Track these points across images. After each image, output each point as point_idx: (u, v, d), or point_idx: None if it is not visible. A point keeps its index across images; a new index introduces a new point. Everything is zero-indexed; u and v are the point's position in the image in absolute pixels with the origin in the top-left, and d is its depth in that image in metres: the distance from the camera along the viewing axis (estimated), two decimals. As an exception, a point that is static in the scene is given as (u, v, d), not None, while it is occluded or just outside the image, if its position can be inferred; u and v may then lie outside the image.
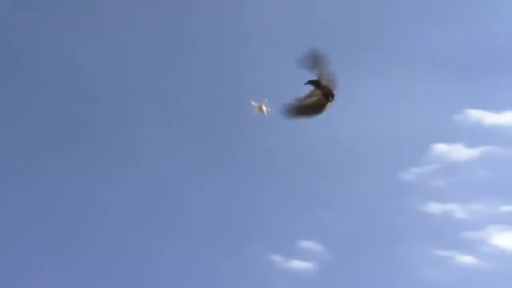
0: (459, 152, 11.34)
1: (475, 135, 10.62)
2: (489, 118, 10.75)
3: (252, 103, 4.45)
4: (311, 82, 4.34)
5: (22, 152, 10.00)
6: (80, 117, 10.54)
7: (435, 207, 10.84)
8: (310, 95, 4.40)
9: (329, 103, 4.48)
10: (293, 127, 10.23)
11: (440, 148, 11.81)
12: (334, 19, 11.23)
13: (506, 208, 9.94)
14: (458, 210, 10.80)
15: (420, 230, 10.89)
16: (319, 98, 4.41)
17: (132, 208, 9.82)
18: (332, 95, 4.40)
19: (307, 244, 10.13)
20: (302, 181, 10.61)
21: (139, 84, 10.79)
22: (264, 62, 10.30)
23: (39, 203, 9.82)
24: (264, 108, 4.36)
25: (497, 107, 10.51)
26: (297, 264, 9.89)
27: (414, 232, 10.82)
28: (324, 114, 4.52)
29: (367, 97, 10.87)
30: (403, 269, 10.01)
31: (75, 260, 9.44)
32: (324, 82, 4.36)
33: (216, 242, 9.85)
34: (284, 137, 10.68)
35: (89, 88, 10.60)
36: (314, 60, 4.26)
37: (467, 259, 9.91)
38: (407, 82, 11.38)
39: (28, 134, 10.29)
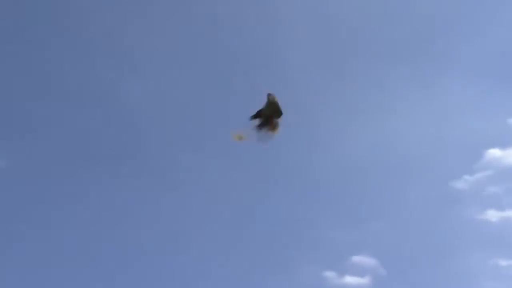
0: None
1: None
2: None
3: (233, 132, 4.62)
4: (255, 116, 4.55)
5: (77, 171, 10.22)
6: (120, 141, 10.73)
7: (492, 215, 10.42)
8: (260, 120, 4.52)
9: (273, 127, 4.62)
10: (337, 143, 10.10)
11: (494, 153, 11.42)
12: (387, 32, 11.07)
13: None
14: (518, 217, 10.33)
15: (478, 239, 10.49)
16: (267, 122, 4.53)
17: (182, 222, 9.86)
18: (275, 123, 4.56)
19: (360, 259, 9.95)
20: (351, 195, 10.46)
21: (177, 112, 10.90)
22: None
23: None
24: (243, 136, 4.51)
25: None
26: (351, 280, 9.70)
27: (472, 241, 10.45)
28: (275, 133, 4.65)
29: (417, 106, 10.65)
30: (463, 281, 9.62)
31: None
32: (270, 110, 4.49)
33: (270, 260, 9.80)
34: (330, 152, 10.57)
35: (132, 117, 10.82)
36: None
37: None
38: (459, 89, 11.14)
39: (81, 155, 10.54)
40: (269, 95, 4.63)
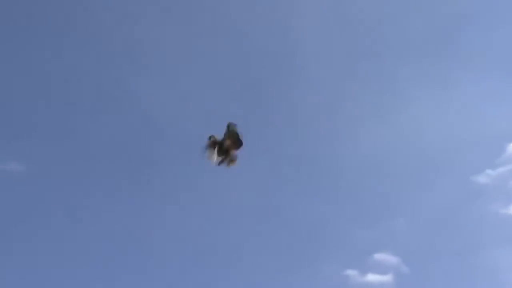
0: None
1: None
2: None
3: (206, 152, 4.56)
4: (214, 145, 4.49)
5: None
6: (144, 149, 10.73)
7: (517, 209, 10.18)
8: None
9: (231, 159, 4.57)
10: (358, 142, 9.97)
11: (517, 147, 11.16)
12: (408, 29, 10.91)
13: None
14: (543, 210, 10.11)
15: (503, 234, 10.28)
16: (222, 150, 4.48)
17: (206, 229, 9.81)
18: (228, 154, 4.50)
19: (382, 257, 9.83)
20: (373, 193, 10.33)
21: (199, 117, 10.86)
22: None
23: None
24: (214, 156, 4.46)
25: None
26: (373, 278, 9.59)
27: (496, 237, 10.23)
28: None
29: (438, 103, 10.49)
30: (487, 277, 9.41)
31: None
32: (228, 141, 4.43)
33: (292, 260, 9.70)
34: (351, 151, 10.45)
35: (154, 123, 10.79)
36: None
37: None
38: (479, 84, 10.93)
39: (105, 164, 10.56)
40: (229, 124, 4.47)
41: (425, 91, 10.34)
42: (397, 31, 10.92)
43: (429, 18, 10.90)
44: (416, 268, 9.89)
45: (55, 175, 9.98)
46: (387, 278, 9.91)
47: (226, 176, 10.05)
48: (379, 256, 10.08)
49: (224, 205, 9.83)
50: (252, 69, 11.19)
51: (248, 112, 11.02)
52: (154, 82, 11.01)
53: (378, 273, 9.93)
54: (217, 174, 10.00)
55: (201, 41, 11.37)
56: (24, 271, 9.07)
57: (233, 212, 10.02)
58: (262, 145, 10.93)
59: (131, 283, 9.29)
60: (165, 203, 10.16)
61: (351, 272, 9.85)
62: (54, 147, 10.32)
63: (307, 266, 9.91)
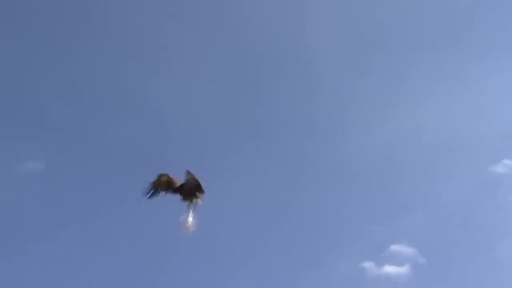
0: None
1: None
2: None
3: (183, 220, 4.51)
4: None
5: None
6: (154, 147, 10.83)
7: (536, 199, 10.05)
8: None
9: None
10: (371, 134, 9.96)
11: (534, 135, 11.01)
12: (421, 23, 10.83)
13: None
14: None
15: (522, 224, 10.11)
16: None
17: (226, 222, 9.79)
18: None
19: (398, 248, 9.77)
20: (388, 186, 10.28)
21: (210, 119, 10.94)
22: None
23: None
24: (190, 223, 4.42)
25: None
26: (390, 269, 9.54)
27: (514, 227, 10.08)
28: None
29: (453, 92, 10.42)
30: (506, 269, 9.28)
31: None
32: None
33: (306, 256, 9.70)
34: (365, 143, 10.42)
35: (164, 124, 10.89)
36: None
37: None
38: (495, 73, 10.85)
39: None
40: (188, 173, 4.39)
41: (440, 83, 10.31)
42: (410, 25, 10.91)
43: (443, 11, 10.87)
44: (433, 259, 9.83)
45: (74, 174, 10.16)
46: (404, 269, 9.86)
47: (239, 173, 10.12)
48: (395, 248, 10.05)
49: (239, 201, 9.91)
50: (265, 70, 11.25)
51: (259, 111, 11.07)
52: (173, 86, 11.14)
53: (395, 265, 9.89)
54: (231, 172, 10.07)
55: (214, 40, 11.46)
56: (44, 271, 9.21)
57: (247, 209, 10.08)
58: (276, 143, 10.96)
59: (154, 282, 9.36)
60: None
61: (368, 264, 9.84)
62: (73, 145, 10.49)
63: (324, 261, 9.92)
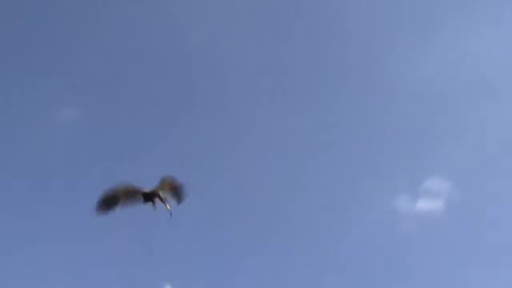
0: None
1: None
2: None
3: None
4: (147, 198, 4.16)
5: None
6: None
7: None
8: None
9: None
10: (412, 62, 9.39)
11: None
12: None
13: None
14: None
15: None
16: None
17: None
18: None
19: (434, 182, 9.44)
20: (426, 115, 9.76)
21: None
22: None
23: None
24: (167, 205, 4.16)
25: None
26: (424, 205, 9.28)
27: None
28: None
29: (502, 26, 9.57)
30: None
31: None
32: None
33: (343, 192, 9.55)
34: (404, 72, 9.77)
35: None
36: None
37: None
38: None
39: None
40: (164, 179, 4.02)
41: (488, 15, 9.50)
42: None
43: None
44: (469, 194, 9.50)
45: (110, 119, 10.25)
46: (438, 204, 9.64)
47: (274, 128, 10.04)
48: (431, 181, 9.78)
49: (270, 153, 9.88)
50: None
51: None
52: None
53: (429, 198, 9.67)
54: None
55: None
56: (76, 220, 9.26)
57: (279, 157, 10.03)
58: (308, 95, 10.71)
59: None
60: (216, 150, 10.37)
61: (403, 198, 9.68)
62: (109, 91, 10.48)
63: (356, 197, 9.86)
